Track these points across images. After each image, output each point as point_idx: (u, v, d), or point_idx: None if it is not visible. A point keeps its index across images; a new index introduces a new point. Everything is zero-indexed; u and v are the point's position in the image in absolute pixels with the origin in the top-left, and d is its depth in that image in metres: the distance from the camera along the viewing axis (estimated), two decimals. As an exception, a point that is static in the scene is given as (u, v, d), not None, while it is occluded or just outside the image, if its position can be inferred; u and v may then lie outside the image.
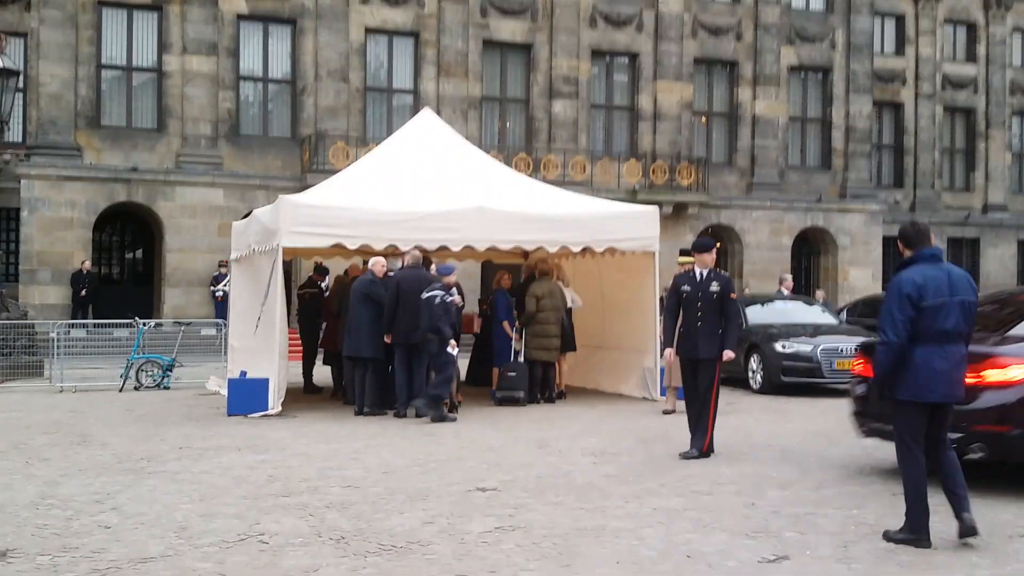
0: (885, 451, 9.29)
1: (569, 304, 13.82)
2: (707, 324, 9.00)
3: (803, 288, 31.32)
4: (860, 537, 6.06)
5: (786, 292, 17.42)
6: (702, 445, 8.93)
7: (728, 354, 8.96)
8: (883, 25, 34.51)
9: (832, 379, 14.51)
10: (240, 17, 26.01)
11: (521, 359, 13.35)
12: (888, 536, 5.94)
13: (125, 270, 28.24)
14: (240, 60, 26.21)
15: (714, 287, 9.04)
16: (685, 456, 8.86)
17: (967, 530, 5.80)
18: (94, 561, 5.50)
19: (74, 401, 13.61)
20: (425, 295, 11.42)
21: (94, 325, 20.18)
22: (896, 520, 6.48)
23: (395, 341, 11.85)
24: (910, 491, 5.90)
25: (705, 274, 9.13)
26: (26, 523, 6.38)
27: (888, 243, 33.08)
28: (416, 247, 12.36)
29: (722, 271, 9.43)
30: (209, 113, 25.57)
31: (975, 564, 5.49)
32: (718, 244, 30.14)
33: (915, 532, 5.85)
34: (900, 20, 34.82)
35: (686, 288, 9.17)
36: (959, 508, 5.85)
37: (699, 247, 9.39)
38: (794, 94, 31.80)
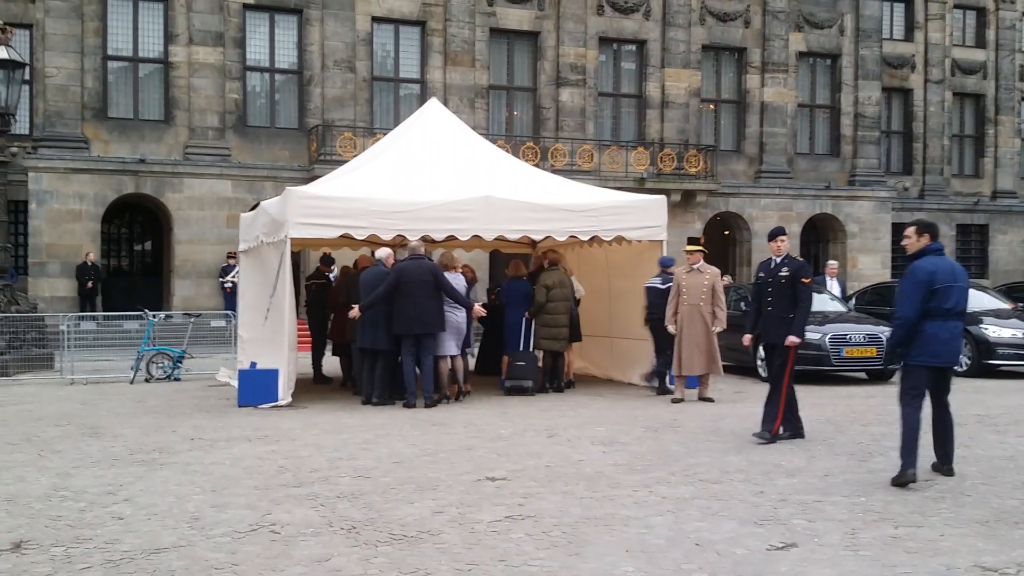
0: (892, 439, 9.30)
1: (578, 295, 13.85)
2: (776, 309, 9.14)
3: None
4: (868, 524, 6.07)
5: (830, 279, 17.47)
6: (772, 428, 9.04)
7: (791, 339, 9.00)
8: (892, 10, 34.35)
9: (840, 367, 14.50)
10: (246, 7, 26.01)
11: (531, 348, 13.38)
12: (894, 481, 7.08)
13: (134, 262, 28.31)
14: (246, 50, 26.22)
15: (784, 272, 9.17)
16: (757, 437, 9.04)
17: (946, 471, 7.44)
18: (107, 552, 5.55)
19: (85, 393, 13.68)
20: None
21: (104, 317, 20.27)
22: (904, 507, 6.50)
23: (401, 331, 11.88)
24: (906, 432, 7.13)
25: (779, 260, 9.29)
26: (39, 515, 6.43)
27: (897, 230, 33.02)
28: (421, 237, 12.40)
29: (797, 257, 9.47)
30: (216, 104, 25.59)
31: (981, 550, 5.50)
32: (726, 232, 30.34)
33: (905, 462, 7.06)
34: (909, 5, 34.65)
35: (761, 274, 9.45)
36: (944, 460, 7.51)
37: (769, 235, 9.61)
38: (803, 81, 31.69)
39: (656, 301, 12.90)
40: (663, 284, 12.89)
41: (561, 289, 13.25)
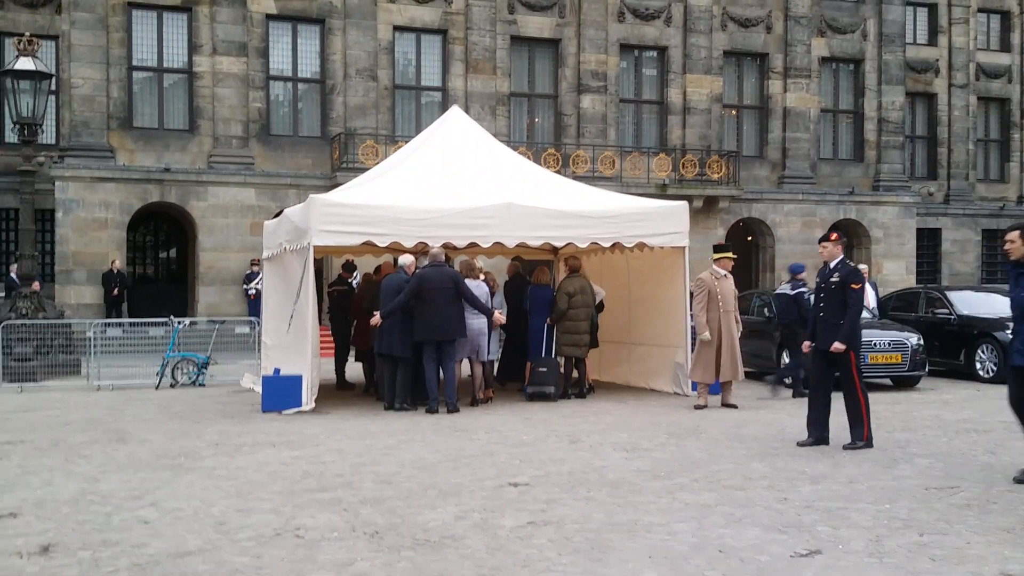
0: (918, 445, 9.25)
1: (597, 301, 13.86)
2: (827, 315, 9.15)
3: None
4: (893, 531, 6.04)
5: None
6: (862, 435, 9.04)
7: (835, 346, 8.98)
8: (915, 15, 34.15)
9: (866, 373, 14.37)
10: (269, 17, 26.20)
11: (553, 355, 13.40)
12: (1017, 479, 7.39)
13: (159, 269, 28.55)
14: (270, 60, 26.41)
15: (835, 278, 9.17)
16: (848, 449, 8.96)
17: None
18: (134, 556, 5.60)
19: (111, 399, 13.80)
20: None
21: (130, 324, 20.44)
22: (929, 515, 6.45)
23: (422, 338, 11.93)
24: None
25: (832, 265, 9.28)
26: (67, 519, 6.50)
27: (922, 235, 32.81)
28: (443, 244, 12.45)
29: (849, 262, 9.45)
30: (240, 113, 25.78)
31: (1008, 558, 5.46)
32: (748, 237, 30.24)
33: None
34: (932, 9, 34.45)
35: (817, 279, 9.47)
36: None
37: (821, 239, 9.62)
38: (825, 86, 31.56)
39: (786, 308, 13.36)
40: (793, 291, 13.38)
41: (583, 296, 13.26)
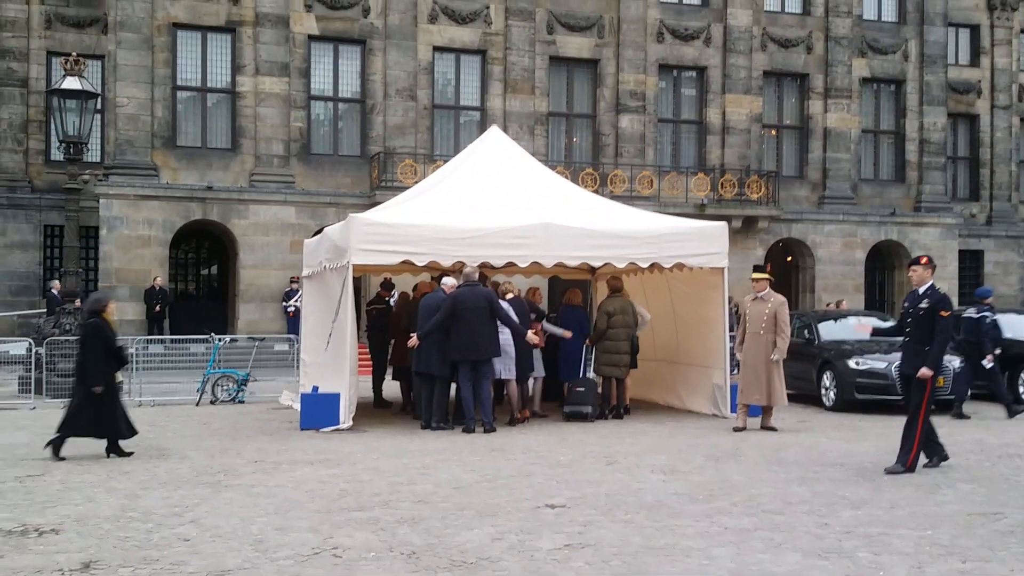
0: (960, 470, 9.10)
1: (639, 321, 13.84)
2: (913, 340, 9.17)
3: (877, 304, 30.79)
4: (935, 558, 5.95)
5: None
6: (906, 461, 9.01)
7: (923, 372, 8.96)
8: (957, 36, 33.82)
9: (907, 396, 14.21)
10: (311, 38, 26.50)
11: (591, 375, 13.37)
12: None
13: (200, 286, 28.86)
14: (311, 80, 26.70)
15: (924, 304, 9.16)
16: (890, 472, 8.93)
17: None
18: (174, 573, 5.65)
19: (153, 415, 13.94)
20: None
21: (171, 340, 20.64)
22: (972, 541, 6.34)
23: (457, 358, 11.97)
24: None
25: (922, 291, 9.29)
26: (108, 535, 6.57)
27: (964, 257, 32.38)
28: (481, 264, 12.49)
29: (939, 290, 9.45)
30: (281, 132, 26.06)
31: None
32: (788, 258, 30.03)
33: None
34: (975, 30, 34.11)
35: (905, 304, 9.47)
36: None
37: (910, 263, 9.65)
38: (866, 106, 31.32)
39: (972, 330, 13.88)
40: (977, 314, 13.91)
41: (623, 316, 13.25)
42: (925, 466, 9.24)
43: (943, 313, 9.07)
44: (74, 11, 27.27)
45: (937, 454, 9.32)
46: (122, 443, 10.16)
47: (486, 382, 12.09)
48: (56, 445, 9.89)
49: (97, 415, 9.97)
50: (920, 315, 9.12)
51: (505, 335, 12.27)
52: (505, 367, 12.46)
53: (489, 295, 12.13)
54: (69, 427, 9.97)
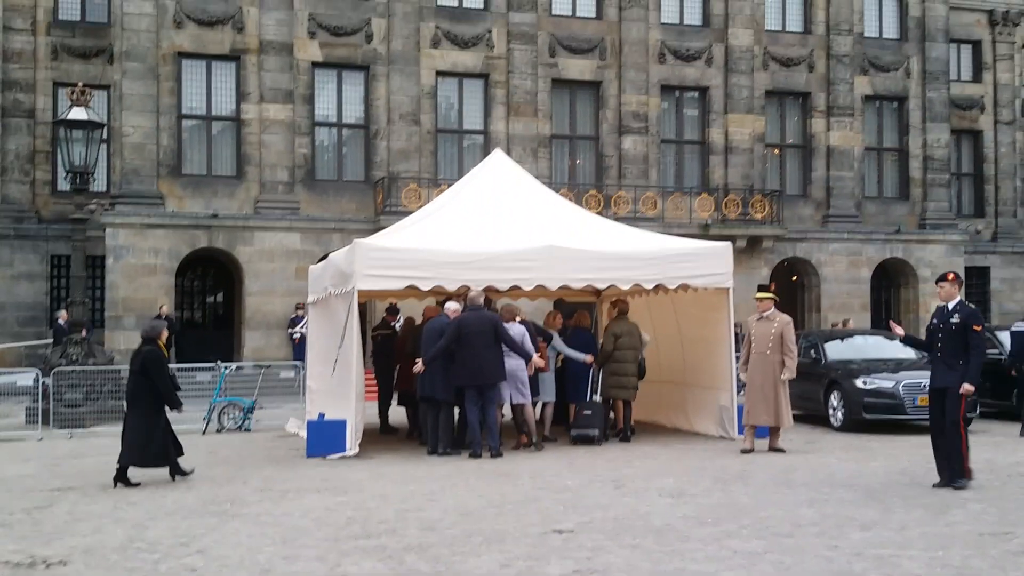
0: (970, 490, 9.05)
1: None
2: (945, 355, 9.23)
3: (884, 323, 30.68)
4: (947, 581, 5.91)
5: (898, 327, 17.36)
6: (962, 472, 9.10)
7: (965, 387, 9.02)
8: (959, 52, 33.89)
9: (915, 416, 14.15)
10: (315, 65, 26.63)
11: (597, 397, 13.35)
12: None
13: (206, 314, 28.88)
14: (315, 106, 26.81)
15: (955, 319, 9.21)
16: (955, 488, 9.03)
17: None
18: (180, 604, 5.63)
19: (159, 444, 13.89)
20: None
21: (177, 369, 20.62)
22: (983, 562, 6.30)
23: (463, 383, 11.96)
24: None
25: (951, 306, 9.34)
26: (116, 566, 6.55)
27: (971, 273, 32.31)
28: (486, 287, 12.49)
29: (969, 304, 9.54)
30: (286, 159, 26.16)
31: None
32: (794, 277, 30.00)
33: None
34: (977, 46, 34.19)
35: (933, 320, 9.51)
36: None
37: (938, 279, 9.68)
38: (869, 124, 31.36)
39: (1021, 346, 13.83)
40: None
41: (630, 338, 13.26)
42: (935, 486, 9.20)
43: (976, 327, 9.14)
44: (80, 42, 27.47)
45: (968, 474, 9.32)
46: (131, 472, 10.22)
47: (493, 407, 12.06)
48: (122, 475, 10.08)
49: (156, 441, 10.21)
50: (951, 330, 9.19)
51: (517, 359, 12.27)
52: (517, 391, 12.44)
53: (494, 319, 12.12)
54: (131, 456, 10.14)
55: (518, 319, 12.89)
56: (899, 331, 10.20)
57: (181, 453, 10.60)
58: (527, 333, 12.53)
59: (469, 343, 11.80)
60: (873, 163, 31.50)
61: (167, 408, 10.40)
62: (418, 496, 9.12)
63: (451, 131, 28.00)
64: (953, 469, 9.13)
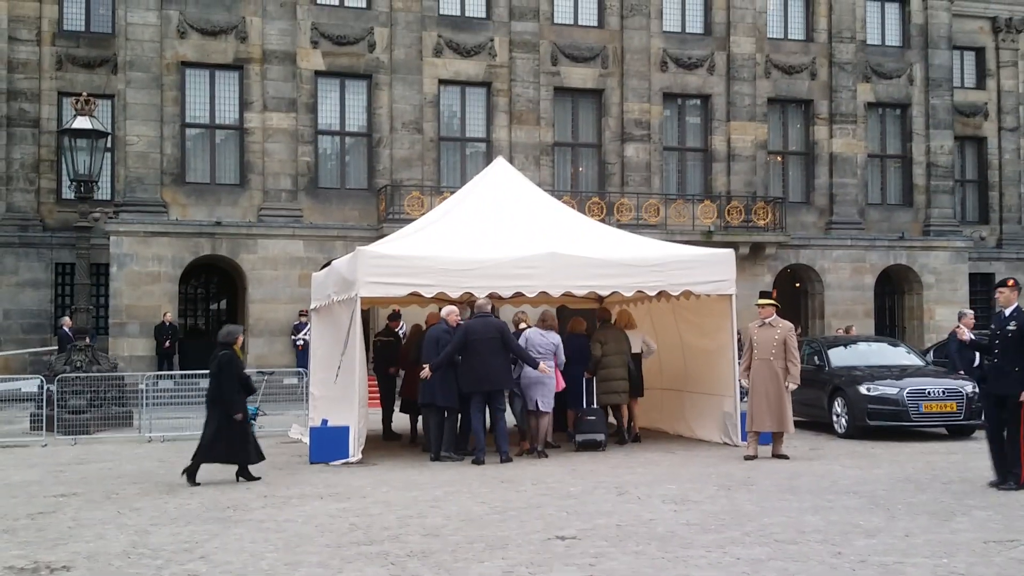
0: (975, 497, 9.03)
1: (637, 350, 13.82)
2: (1002, 361, 9.23)
3: (888, 330, 30.67)
4: (952, 586, 5.89)
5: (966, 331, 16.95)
6: (1018, 478, 9.13)
7: None
8: (962, 59, 33.91)
9: (920, 422, 14.14)
10: (318, 74, 26.69)
11: (594, 404, 13.38)
12: None
13: (210, 321, 28.92)
14: (318, 115, 26.85)
15: (1011, 326, 9.22)
16: (1004, 488, 9.16)
17: None
18: (183, 610, 5.62)
19: (163, 451, 13.94)
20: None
21: (181, 376, 20.68)
22: (988, 569, 6.28)
23: (469, 389, 11.96)
24: None
25: (1008, 312, 9.34)
26: (118, 572, 6.55)
27: (975, 280, 32.27)
28: (489, 294, 12.51)
29: None
30: (289, 167, 26.21)
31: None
32: (797, 284, 29.98)
33: None
34: (980, 53, 34.21)
35: (991, 326, 9.53)
36: None
37: (997, 284, 9.69)
38: (872, 131, 31.36)
39: None
40: None
41: (616, 343, 13.33)
42: (991, 484, 9.40)
43: None
44: (84, 52, 27.58)
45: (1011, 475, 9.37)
46: (251, 468, 10.79)
47: (501, 413, 12.09)
48: (192, 472, 10.57)
49: (231, 442, 10.68)
50: (1008, 336, 9.18)
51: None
52: (543, 399, 12.46)
53: (501, 326, 12.15)
54: (205, 454, 10.65)
55: (522, 326, 12.90)
56: (966, 336, 10.14)
57: (260, 459, 10.93)
58: (560, 345, 12.61)
59: (476, 350, 11.83)
60: (876, 170, 31.49)
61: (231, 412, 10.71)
62: (421, 502, 9.11)
63: (454, 139, 28.04)
64: (1010, 472, 9.18)
